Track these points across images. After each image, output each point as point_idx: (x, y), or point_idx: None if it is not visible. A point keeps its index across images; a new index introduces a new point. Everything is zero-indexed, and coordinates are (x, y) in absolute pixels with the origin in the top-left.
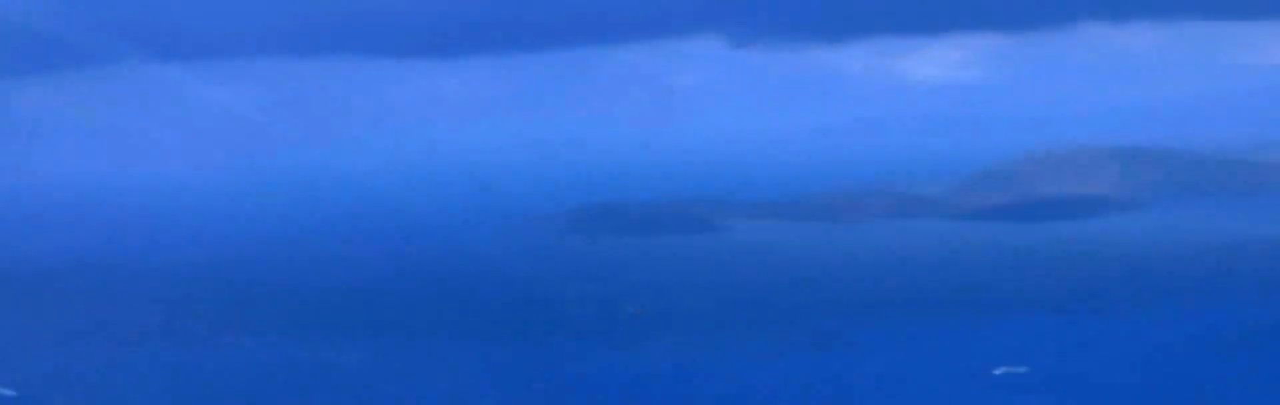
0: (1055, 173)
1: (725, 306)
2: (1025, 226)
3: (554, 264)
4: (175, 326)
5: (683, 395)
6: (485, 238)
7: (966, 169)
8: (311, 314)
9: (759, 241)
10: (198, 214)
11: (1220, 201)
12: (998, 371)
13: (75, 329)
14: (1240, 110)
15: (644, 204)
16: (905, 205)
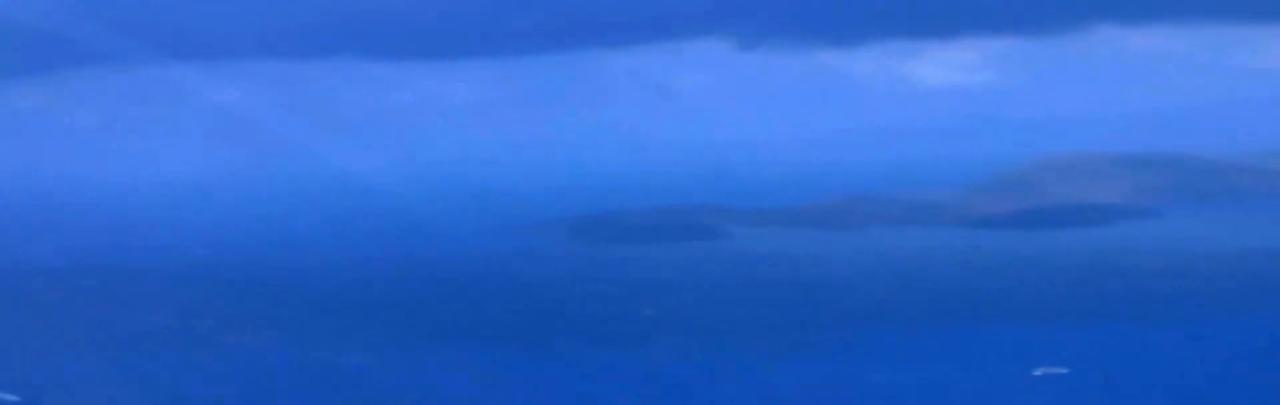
0: (1068, 178)
1: (731, 314)
2: (1036, 233)
3: (556, 266)
4: (177, 328)
5: (683, 399)
6: (486, 239)
7: (977, 174)
8: (314, 316)
9: (765, 247)
10: (200, 215)
11: (1236, 208)
12: (1037, 372)
13: (77, 331)
14: (1258, 116)
15: (648, 208)
16: (914, 211)
